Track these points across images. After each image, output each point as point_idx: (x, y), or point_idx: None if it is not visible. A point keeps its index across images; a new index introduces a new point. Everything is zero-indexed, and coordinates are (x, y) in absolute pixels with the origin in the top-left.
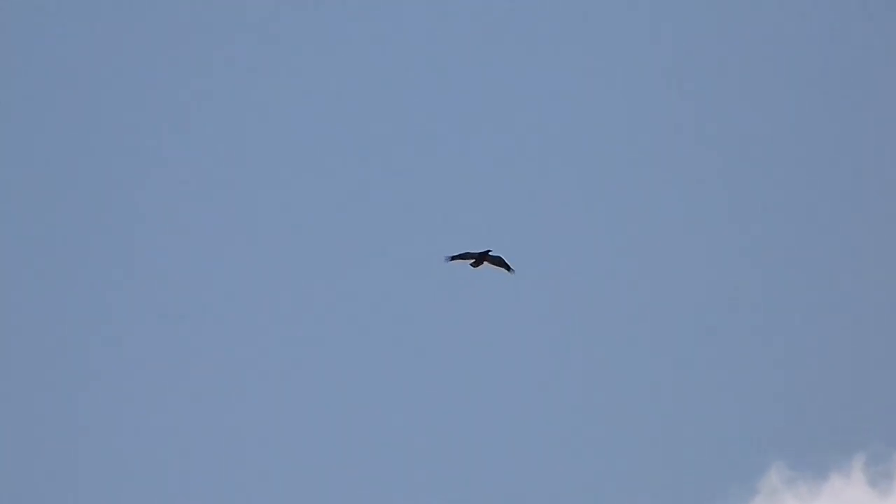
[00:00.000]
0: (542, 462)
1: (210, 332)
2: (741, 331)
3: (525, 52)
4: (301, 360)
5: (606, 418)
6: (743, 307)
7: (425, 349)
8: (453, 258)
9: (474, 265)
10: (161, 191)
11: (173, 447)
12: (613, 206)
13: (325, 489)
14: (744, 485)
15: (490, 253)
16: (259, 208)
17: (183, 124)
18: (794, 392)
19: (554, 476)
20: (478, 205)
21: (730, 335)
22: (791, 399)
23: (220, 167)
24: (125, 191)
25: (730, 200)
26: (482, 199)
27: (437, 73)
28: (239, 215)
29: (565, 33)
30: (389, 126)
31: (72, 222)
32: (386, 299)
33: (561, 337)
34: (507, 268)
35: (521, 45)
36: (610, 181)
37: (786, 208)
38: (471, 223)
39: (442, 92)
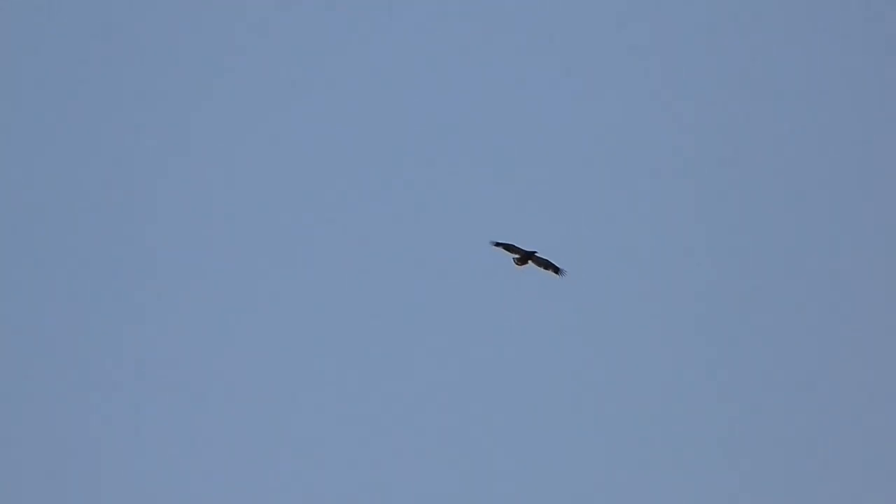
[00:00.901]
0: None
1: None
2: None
3: (526, 52)
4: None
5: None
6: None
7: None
8: (498, 244)
9: (519, 262)
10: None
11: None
12: (618, 206)
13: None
14: None
15: (536, 254)
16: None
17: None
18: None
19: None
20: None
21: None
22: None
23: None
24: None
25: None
26: (483, 200)
27: (437, 73)
28: (241, 218)
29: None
30: (392, 127)
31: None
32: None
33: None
34: (556, 270)
35: (524, 45)
36: (613, 181)
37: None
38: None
39: (442, 92)
